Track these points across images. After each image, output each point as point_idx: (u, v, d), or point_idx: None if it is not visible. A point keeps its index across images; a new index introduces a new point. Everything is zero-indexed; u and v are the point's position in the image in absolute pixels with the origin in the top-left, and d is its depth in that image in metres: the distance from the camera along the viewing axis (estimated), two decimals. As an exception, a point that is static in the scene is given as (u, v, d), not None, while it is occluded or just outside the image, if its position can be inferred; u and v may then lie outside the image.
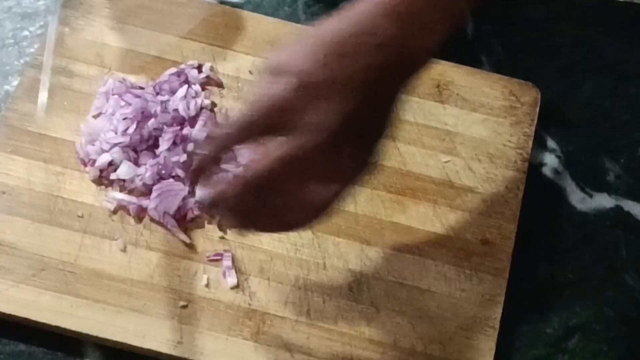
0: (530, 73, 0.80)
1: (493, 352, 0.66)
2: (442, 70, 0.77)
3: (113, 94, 0.73)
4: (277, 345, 0.65)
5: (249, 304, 0.66)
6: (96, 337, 0.64)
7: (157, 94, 0.73)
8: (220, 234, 0.69)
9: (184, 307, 0.65)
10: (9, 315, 0.64)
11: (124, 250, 0.67)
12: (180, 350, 0.64)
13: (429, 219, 0.71)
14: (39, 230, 0.67)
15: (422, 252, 0.69)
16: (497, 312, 0.67)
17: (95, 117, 0.73)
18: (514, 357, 0.68)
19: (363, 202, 0.71)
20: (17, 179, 0.69)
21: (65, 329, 0.64)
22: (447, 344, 0.66)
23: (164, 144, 0.70)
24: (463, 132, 0.75)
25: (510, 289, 0.69)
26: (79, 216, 0.68)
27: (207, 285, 0.66)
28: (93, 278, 0.66)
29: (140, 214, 0.69)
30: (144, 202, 0.69)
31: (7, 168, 0.70)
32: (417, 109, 0.75)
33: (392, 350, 0.65)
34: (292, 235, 0.69)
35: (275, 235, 0.69)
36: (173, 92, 0.73)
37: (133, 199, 0.69)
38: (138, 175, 0.69)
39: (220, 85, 0.76)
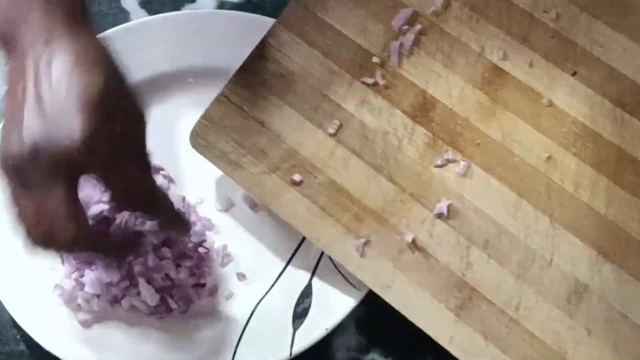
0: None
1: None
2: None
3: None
4: (475, 328, 0.63)
5: (463, 274, 0.64)
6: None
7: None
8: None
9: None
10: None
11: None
12: (390, 296, 0.64)
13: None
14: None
15: (662, 287, 0.62)
16: None
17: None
18: None
19: (618, 206, 0.64)
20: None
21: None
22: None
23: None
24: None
25: None
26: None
27: (431, 236, 0.64)
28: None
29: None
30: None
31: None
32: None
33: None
34: (529, 217, 0.64)
35: (511, 209, 0.64)
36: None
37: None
38: None
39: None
